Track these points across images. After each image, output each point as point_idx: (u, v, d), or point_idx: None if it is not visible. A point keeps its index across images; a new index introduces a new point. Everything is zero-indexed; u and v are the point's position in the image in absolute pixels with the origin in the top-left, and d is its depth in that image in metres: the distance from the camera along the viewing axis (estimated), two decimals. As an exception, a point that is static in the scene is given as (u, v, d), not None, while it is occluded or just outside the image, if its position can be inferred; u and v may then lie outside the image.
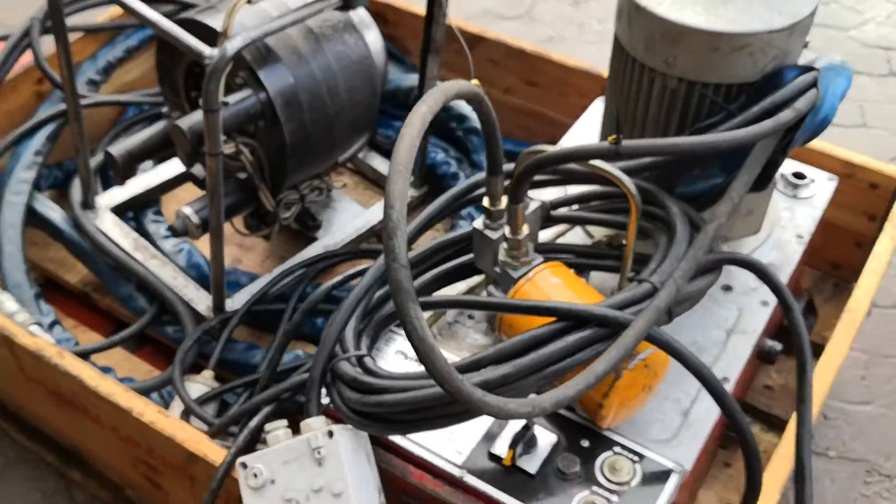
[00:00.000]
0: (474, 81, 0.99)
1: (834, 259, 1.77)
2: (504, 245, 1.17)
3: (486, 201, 1.17)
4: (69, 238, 1.76)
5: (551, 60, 1.91)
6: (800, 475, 1.06)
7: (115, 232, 1.75)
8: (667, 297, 1.01)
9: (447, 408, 1.01)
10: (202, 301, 1.66)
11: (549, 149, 1.06)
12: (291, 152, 1.52)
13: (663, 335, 1.03)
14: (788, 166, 1.52)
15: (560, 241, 1.37)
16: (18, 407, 1.67)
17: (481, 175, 1.22)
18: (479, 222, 1.20)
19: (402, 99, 1.99)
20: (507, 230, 1.16)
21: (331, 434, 1.07)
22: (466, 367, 1.01)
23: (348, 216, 1.86)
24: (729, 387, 1.23)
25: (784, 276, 1.36)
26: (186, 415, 1.43)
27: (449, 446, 1.12)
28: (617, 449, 1.12)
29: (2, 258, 1.66)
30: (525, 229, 1.16)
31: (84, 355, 1.56)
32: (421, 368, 0.85)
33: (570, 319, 1.03)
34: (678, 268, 1.03)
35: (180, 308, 1.64)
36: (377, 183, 2.03)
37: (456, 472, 1.10)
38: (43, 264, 1.86)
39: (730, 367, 1.25)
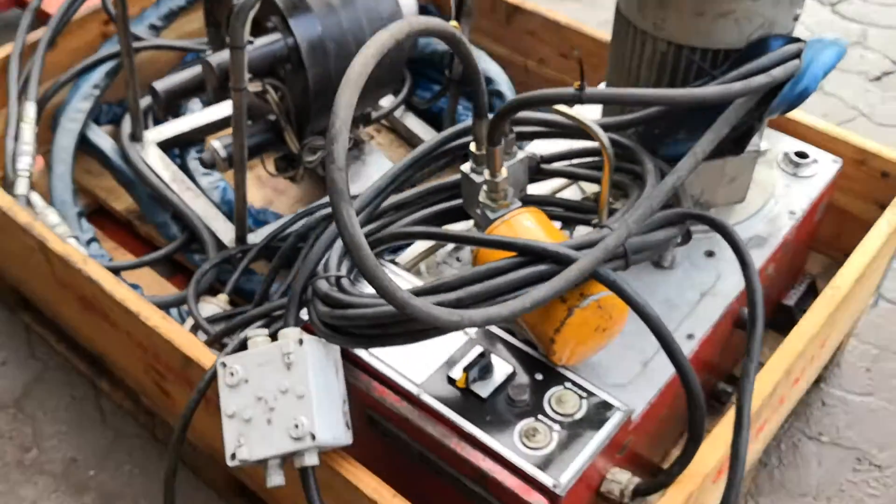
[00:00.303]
0: (452, 23, 1.06)
1: (845, 247, 1.76)
2: (484, 187, 1.24)
3: (472, 146, 1.25)
4: (116, 167, 1.91)
5: (585, 34, 1.96)
6: (738, 424, 1.10)
7: (158, 164, 1.88)
8: (616, 238, 1.07)
9: (402, 325, 1.09)
10: (227, 233, 1.78)
11: (525, 95, 1.13)
12: (315, 97, 1.61)
13: (612, 277, 1.08)
14: (792, 145, 1.54)
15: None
16: (55, 315, 1.83)
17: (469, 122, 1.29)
18: (466, 166, 1.27)
19: (438, 62, 2.06)
20: (486, 173, 1.23)
21: (301, 342, 1.16)
22: (426, 291, 1.09)
23: (376, 169, 1.95)
24: (693, 344, 1.28)
25: (769, 249, 1.40)
26: (195, 329, 1.55)
27: (411, 368, 1.20)
28: (568, 384, 1.18)
29: (52, 177, 1.82)
30: (503, 172, 1.22)
31: (115, 271, 1.70)
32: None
33: (528, 255, 1.10)
34: (631, 213, 1.09)
35: (206, 237, 1.76)
36: (410, 142, 2.11)
37: (414, 389, 1.18)
38: (94, 191, 2.02)
39: (697, 326, 1.30)
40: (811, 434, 1.77)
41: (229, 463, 1.16)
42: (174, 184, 1.85)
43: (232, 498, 1.65)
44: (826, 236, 1.70)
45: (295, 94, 1.63)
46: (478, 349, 1.18)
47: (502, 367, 1.19)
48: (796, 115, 1.65)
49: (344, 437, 1.18)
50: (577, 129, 1.31)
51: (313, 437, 1.12)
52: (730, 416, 1.19)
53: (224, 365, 1.19)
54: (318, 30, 1.58)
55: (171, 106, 1.69)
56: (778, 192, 1.47)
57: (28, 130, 1.81)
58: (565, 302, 1.12)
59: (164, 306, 1.62)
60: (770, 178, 1.49)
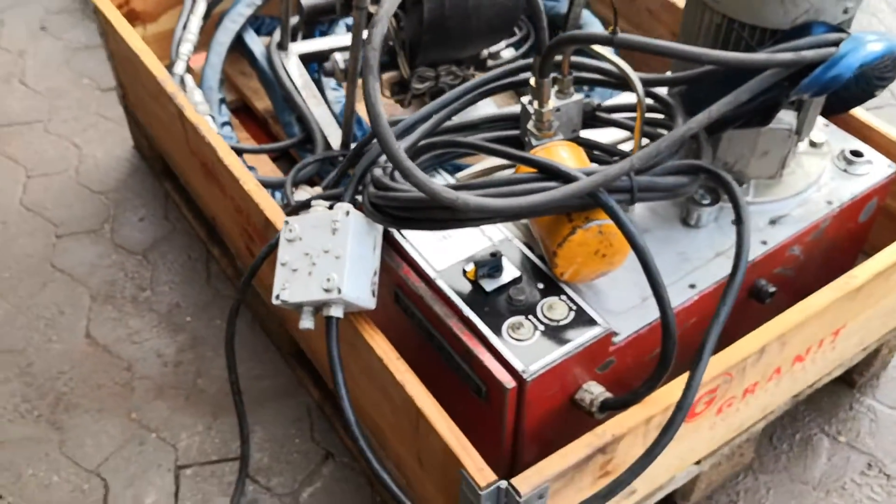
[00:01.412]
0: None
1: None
2: (533, 117, 1.41)
3: (531, 79, 1.42)
4: (261, 68, 2.20)
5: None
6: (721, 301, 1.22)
7: (294, 71, 2.15)
8: (618, 169, 1.21)
9: (426, 212, 1.29)
10: (337, 139, 2.03)
11: (566, 34, 1.29)
12: (427, 29, 1.82)
13: (611, 203, 1.22)
14: (852, 144, 1.61)
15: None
16: (186, 181, 2.15)
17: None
18: (525, 97, 1.44)
19: (555, 25, 2.22)
20: (535, 104, 1.40)
21: (347, 213, 1.38)
22: (453, 186, 1.28)
23: (480, 109, 2.14)
24: (692, 293, 1.40)
25: (795, 228, 1.49)
26: (287, 206, 1.81)
27: (436, 257, 1.40)
28: (563, 297, 1.34)
29: (206, 65, 2.12)
30: (551, 104, 1.39)
31: (238, 152, 1.98)
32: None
33: (545, 172, 1.27)
34: (639, 152, 1.23)
35: (318, 138, 2.02)
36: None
37: (432, 274, 1.38)
38: (242, 90, 2.32)
39: (701, 279, 1.42)
40: (830, 432, 1.82)
41: (273, 302, 1.39)
42: (304, 90, 2.12)
43: (290, 358, 1.91)
44: (881, 244, 1.74)
45: (411, 23, 1.84)
46: (492, 251, 1.36)
47: (511, 271, 1.37)
48: (865, 116, 1.71)
49: (368, 301, 1.39)
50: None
51: (339, 292, 1.34)
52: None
53: (286, 222, 1.43)
54: (441, -32, 1.79)
55: (311, 20, 1.95)
56: (822, 182, 1.55)
57: (195, 22, 2.13)
58: (571, 221, 1.28)
59: (266, 185, 1.88)
60: (818, 167, 1.57)
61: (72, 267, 2.22)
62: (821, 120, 1.67)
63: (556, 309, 1.32)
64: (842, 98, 1.64)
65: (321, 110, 2.09)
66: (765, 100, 1.31)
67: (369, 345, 1.38)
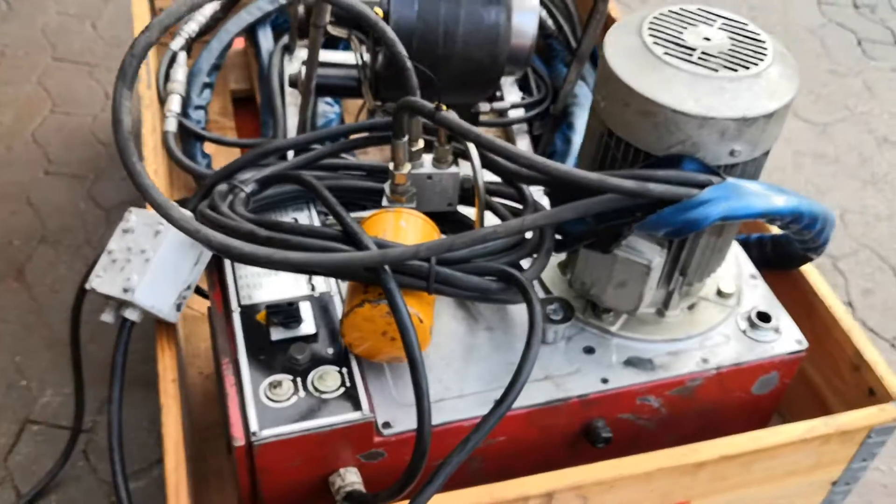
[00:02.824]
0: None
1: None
2: (390, 179, 1.32)
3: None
4: (261, 64, 2.19)
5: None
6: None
7: (287, 74, 2.13)
8: (403, 251, 1.10)
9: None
10: (296, 151, 1.99)
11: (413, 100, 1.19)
12: (387, 65, 1.75)
13: (389, 284, 1.11)
14: (767, 303, 1.41)
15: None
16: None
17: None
18: (394, 158, 1.35)
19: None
20: (391, 164, 1.30)
21: (173, 221, 1.33)
22: (255, 222, 1.21)
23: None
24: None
25: (652, 377, 1.31)
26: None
27: (250, 291, 1.33)
28: (344, 370, 1.23)
29: (204, 47, 2.13)
30: (405, 168, 1.29)
31: (198, 137, 1.98)
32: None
33: (345, 231, 1.17)
34: (431, 241, 1.11)
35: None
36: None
37: (233, 306, 1.30)
38: (253, 82, 2.33)
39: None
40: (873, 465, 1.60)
41: (86, 285, 1.36)
42: (289, 96, 2.09)
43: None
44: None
45: (374, 55, 1.77)
46: (291, 300, 1.28)
47: (309, 326, 1.27)
48: (815, 279, 1.50)
49: (169, 314, 1.33)
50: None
51: (133, 294, 1.29)
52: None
53: (129, 211, 1.39)
54: (415, 9, 1.71)
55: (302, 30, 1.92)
56: (710, 337, 1.37)
57: (209, 7, 2.14)
58: (365, 293, 1.18)
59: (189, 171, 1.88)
60: (713, 319, 1.38)
61: (41, 204, 2.29)
62: (747, 269, 1.48)
63: (326, 380, 1.21)
64: (777, 255, 1.46)
65: (295, 120, 2.05)
66: (610, 225, 1.16)
67: (157, 356, 1.33)
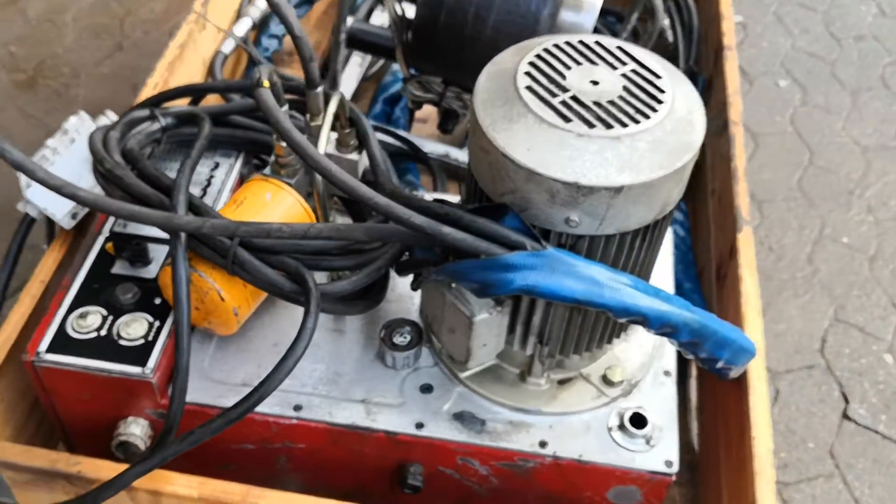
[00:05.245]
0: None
1: None
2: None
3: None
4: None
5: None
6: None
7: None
8: (185, 223, 1.04)
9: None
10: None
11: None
12: (415, 31, 1.65)
13: (177, 250, 1.07)
14: (655, 407, 1.19)
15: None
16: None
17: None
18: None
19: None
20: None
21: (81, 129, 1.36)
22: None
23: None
24: (292, 413, 1.18)
25: (475, 439, 1.16)
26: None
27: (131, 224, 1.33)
28: (157, 324, 1.20)
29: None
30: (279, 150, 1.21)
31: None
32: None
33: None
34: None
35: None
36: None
37: (105, 229, 1.31)
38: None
39: (318, 410, 1.18)
40: None
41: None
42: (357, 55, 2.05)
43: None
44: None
45: (403, 20, 1.68)
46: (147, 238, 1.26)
47: (153, 270, 1.26)
48: (755, 400, 1.26)
49: (62, 219, 1.36)
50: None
51: (29, 190, 1.34)
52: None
53: (78, 114, 1.43)
54: (448, -16, 1.59)
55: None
56: (563, 419, 1.18)
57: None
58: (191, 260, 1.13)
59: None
60: (577, 402, 1.20)
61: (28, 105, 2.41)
62: (663, 363, 1.25)
63: (132, 327, 1.19)
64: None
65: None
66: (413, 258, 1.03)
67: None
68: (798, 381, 1.90)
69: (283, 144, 1.21)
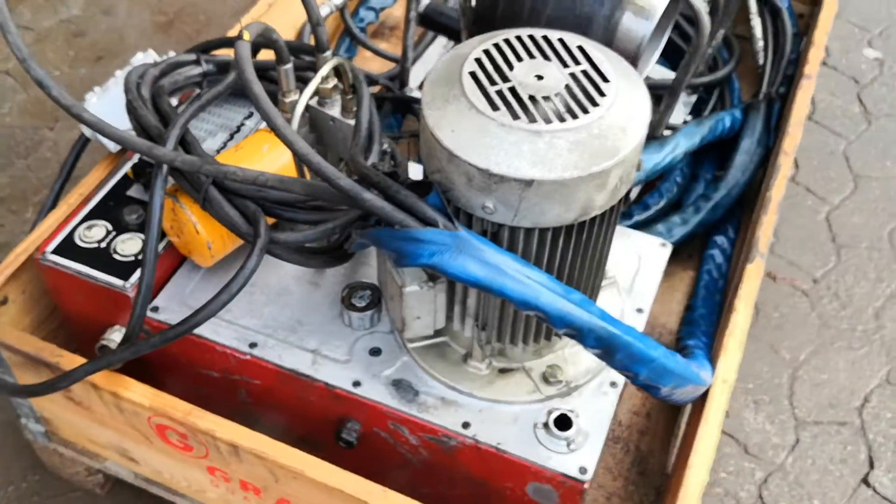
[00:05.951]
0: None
1: None
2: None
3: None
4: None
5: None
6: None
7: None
8: (161, 154, 1.14)
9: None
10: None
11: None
12: (476, 22, 1.68)
13: (156, 181, 1.17)
14: (587, 414, 1.19)
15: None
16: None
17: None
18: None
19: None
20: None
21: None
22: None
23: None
24: (247, 350, 1.26)
25: (405, 407, 1.21)
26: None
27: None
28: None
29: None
30: (288, 97, 1.29)
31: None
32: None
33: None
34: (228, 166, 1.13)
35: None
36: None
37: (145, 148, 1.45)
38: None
39: (275, 353, 1.26)
40: None
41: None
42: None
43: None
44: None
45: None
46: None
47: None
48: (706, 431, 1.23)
49: (108, 142, 1.51)
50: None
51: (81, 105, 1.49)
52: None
53: (147, 50, 1.58)
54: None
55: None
56: (493, 406, 1.20)
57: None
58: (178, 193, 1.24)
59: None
60: (511, 393, 1.21)
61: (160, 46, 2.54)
62: (612, 373, 1.25)
63: (129, 245, 1.32)
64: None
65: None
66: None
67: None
68: (823, 434, 1.81)
69: (288, 101, 1.29)
